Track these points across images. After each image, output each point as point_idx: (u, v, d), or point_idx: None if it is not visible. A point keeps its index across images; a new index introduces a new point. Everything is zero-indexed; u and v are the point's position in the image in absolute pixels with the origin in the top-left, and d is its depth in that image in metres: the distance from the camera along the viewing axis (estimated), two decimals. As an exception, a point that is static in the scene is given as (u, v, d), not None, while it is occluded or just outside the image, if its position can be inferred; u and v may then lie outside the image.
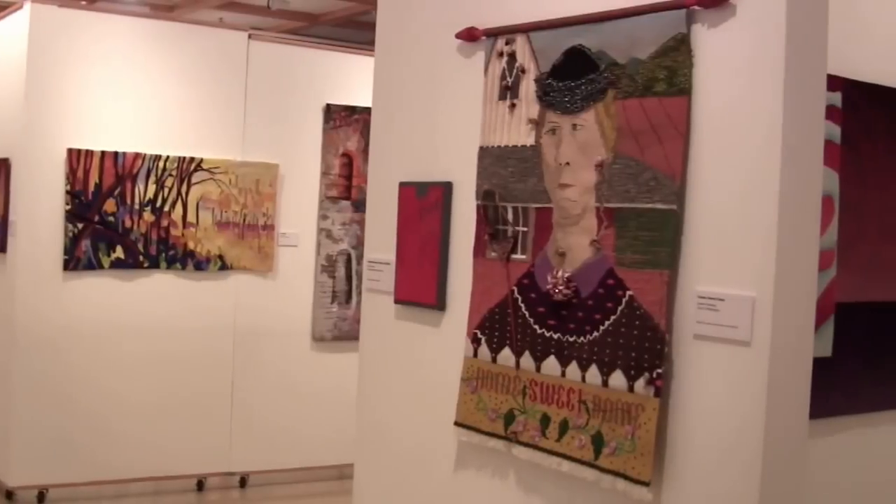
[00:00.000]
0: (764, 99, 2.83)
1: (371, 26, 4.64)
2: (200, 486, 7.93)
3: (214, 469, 7.89)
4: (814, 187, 2.93)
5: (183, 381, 7.63)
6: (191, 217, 7.55)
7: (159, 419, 7.54)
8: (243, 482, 8.07)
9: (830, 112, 3.60)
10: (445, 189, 3.91)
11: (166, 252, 7.48)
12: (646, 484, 3.04)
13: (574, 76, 3.36)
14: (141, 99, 7.42)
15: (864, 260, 3.95)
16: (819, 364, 3.10)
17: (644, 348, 3.07)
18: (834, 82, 3.57)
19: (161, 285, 7.53)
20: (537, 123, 3.50)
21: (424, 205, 3.99)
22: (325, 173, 8.02)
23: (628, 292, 3.13)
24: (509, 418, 3.54)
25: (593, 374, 3.23)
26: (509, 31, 3.63)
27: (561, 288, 3.35)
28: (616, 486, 3.12)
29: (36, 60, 7.07)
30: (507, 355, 3.56)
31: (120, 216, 7.27)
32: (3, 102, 7.46)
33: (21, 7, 7.15)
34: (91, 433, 7.30)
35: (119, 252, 7.31)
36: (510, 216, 3.60)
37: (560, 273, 3.37)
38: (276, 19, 10.96)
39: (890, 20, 4.13)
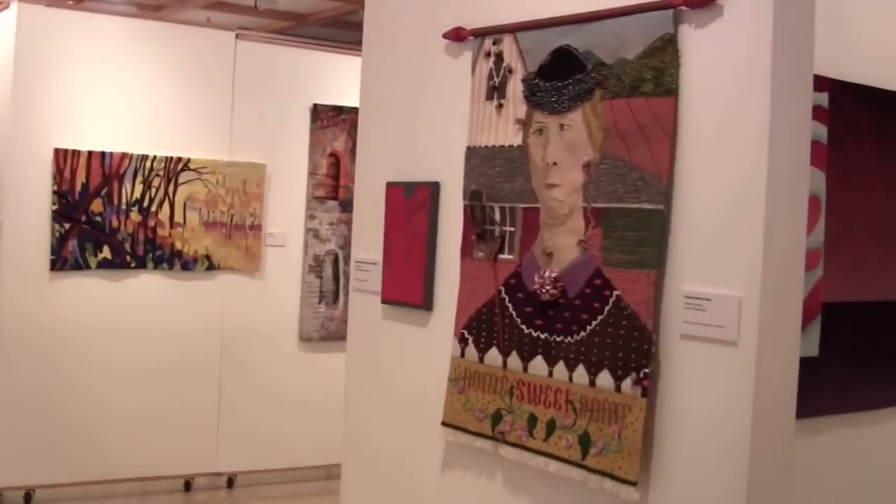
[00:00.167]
0: (751, 99, 2.83)
1: (358, 26, 4.63)
2: (188, 486, 7.91)
3: (202, 469, 7.88)
4: (800, 187, 2.94)
5: (170, 382, 7.61)
6: (178, 217, 7.54)
7: (146, 419, 7.52)
8: (231, 482, 8.06)
9: (817, 112, 3.61)
10: (433, 189, 3.91)
11: (153, 252, 7.47)
12: (633, 484, 3.04)
13: (561, 76, 3.36)
14: (128, 99, 7.40)
15: (851, 260, 3.96)
16: (806, 364, 3.11)
17: (631, 348, 3.07)
18: (821, 83, 3.58)
19: (148, 285, 7.51)
20: (524, 123, 3.50)
21: (412, 205, 3.99)
22: (312, 173, 8.02)
23: (615, 292, 3.14)
24: (496, 418, 3.54)
25: (580, 374, 3.23)
26: (496, 31, 3.63)
27: (548, 288, 3.35)
28: (603, 486, 3.12)
29: (23, 60, 7.04)
30: (494, 355, 3.57)
31: (107, 216, 7.26)
32: (-11, 102, 7.45)
33: (8, 6, 7.12)
34: (78, 433, 7.28)
35: (106, 252, 7.29)
36: (497, 216, 3.60)
37: (547, 273, 3.37)
38: (264, 19, 10.94)
39: (876, 21, 4.14)
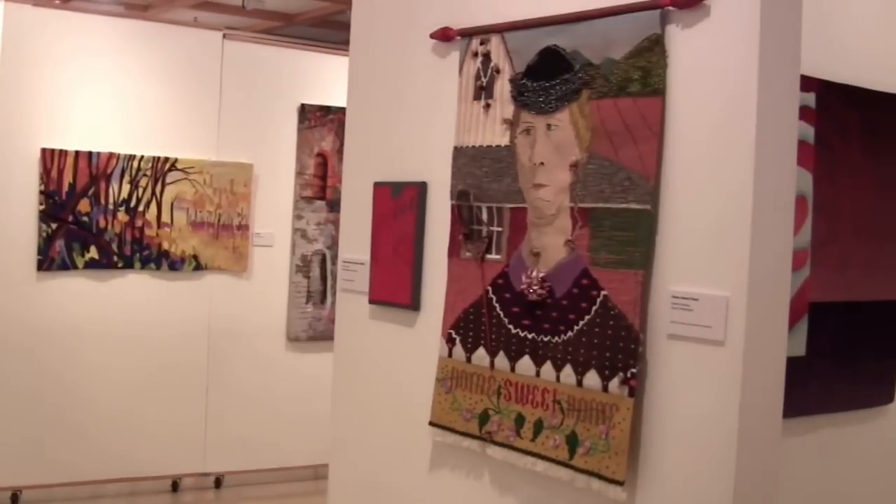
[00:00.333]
0: (738, 99, 2.84)
1: (346, 26, 4.63)
2: (175, 486, 7.90)
3: (189, 470, 7.87)
4: (787, 187, 2.94)
5: (157, 382, 7.61)
6: (165, 217, 7.53)
7: (133, 420, 7.51)
8: (218, 483, 8.05)
9: (804, 112, 3.61)
10: (420, 189, 3.91)
11: (141, 252, 7.46)
12: (620, 483, 3.04)
13: (549, 76, 3.36)
14: (115, 98, 7.39)
15: (838, 259, 3.96)
16: (793, 363, 3.11)
17: (618, 348, 3.07)
18: (807, 83, 3.59)
19: (135, 286, 7.50)
20: (512, 123, 3.50)
21: (399, 205, 3.99)
22: (299, 173, 8.01)
23: (602, 292, 3.14)
24: (484, 418, 3.54)
25: (568, 373, 3.24)
26: (484, 32, 3.63)
27: (535, 288, 3.35)
28: (591, 486, 3.13)
29: (9, 59, 7.03)
30: (481, 355, 3.57)
31: (94, 216, 7.25)
32: (-24, 102, 7.43)
33: (-6, 6, 7.13)
34: (65, 434, 7.27)
35: (93, 252, 7.28)
36: (485, 216, 3.60)
37: (534, 273, 3.37)
38: (251, 19, 10.90)
39: (862, 21, 4.15)
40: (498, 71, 3.57)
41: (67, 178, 7.13)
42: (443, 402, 3.70)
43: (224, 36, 7.88)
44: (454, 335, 3.68)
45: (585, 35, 3.25)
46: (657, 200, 3.02)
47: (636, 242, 3.05)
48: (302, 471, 8.21)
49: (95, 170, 7.22)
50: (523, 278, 3.41)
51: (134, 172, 7.36)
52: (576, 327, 3.22)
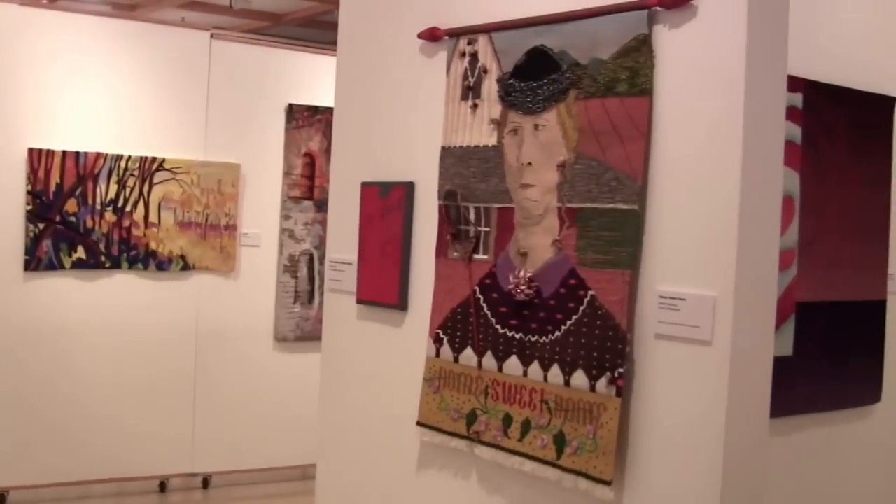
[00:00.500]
0: (725, 99, 2.84)
1: (333, 26, 4.63)
2: (163, 487, 7.89)
3: (177, 470, 7.86)
4: (774, 187, 2.95)
5: (145, 382, 7.59)
6: (153, 217, 7.52)
7: (121, 420, 7.50)
8: (206, 483, 8.04)
9: (791, 112, 3.62)
10: (407, 189, 3.91)
11: (128, 252, 7.44)
12: (607, 483, 3.05)
13: (536, 76, 3.37)
14: (103, 98, 7.38)
15: (825, 259, 3.98)
16: (780, 363, 3.12)
17: (606, 348, 3.08)
18: (794, 83, 3.60)
19: (123, 286, 7.49)
20: (499, 123, 3.50)
21: (386, 205, 3.99)
22: (287, 173, 8.00)
23: (590, 292, 3.14)
24: (471, 418, 3.54)
25: (555, 373, 3.24)
26: (471, 32, 3.63)
27: (523, 288, 3.35)
28: (578, 486, 3.13)
29: (-4, 59, 7.04)
30: (469, 355, 3.57)
31: (81, 216, 7.23)
32: (-37, 102, 7.42)
33: (-19, 6, 7.11)
34: (52, 434, 7.25)
35: (80, 252, 7.26)
36: (472, 216, 3.60)
37: (522, 273, 3.37)
38: (239, 19, 10.91)
39: (849, 21, 4.16)
40: (485, 71, 3.57)
41: (55, 177, 7.12)
42: (430, 403, 3.70)
43: (212, 36, 7.86)
44: (442, 335, 3.68)
45: (573, 35, 3.25)
46: (644, 200, 3.03)
47: (623, 242, 3.05)
48: (290, 471, 8.20)
49: (83, 170, 7.21)
50: (511, 278, 3.41)
51: (121, 172, 7.35)
52: (563, 327, 3.22)
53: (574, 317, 3.19)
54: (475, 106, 3.60)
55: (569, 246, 3.22)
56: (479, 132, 3.58)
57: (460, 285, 3.63)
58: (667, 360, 2.97)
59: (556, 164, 3.27)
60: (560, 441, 3.21)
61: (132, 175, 7.40)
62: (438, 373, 3.68)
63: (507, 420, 3.40)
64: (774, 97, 2.93)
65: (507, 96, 3.47)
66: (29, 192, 7.04)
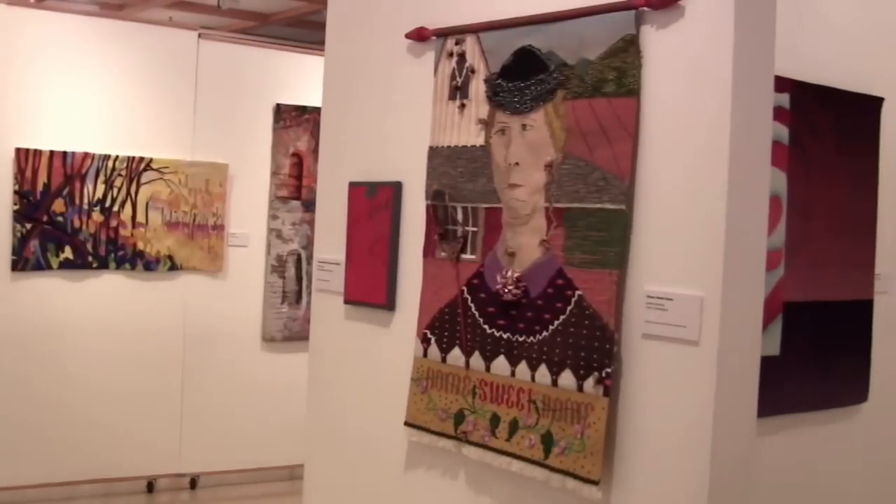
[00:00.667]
0: (712, 100, 2.84)
1: (321, 26, 4.62)
2: (150, 487, 7.88)
3: (164, 470, 7.85)
4: (761, 188, 2.95)
5: (132, 382, 7.59)
6: (140, 217, 7.51)
7: (108, 420, 7.49)
8: (193, 483, 8.03)
9: (778, 113, 3.63)
10: (395, 189, 3.91)
11: (115, 252, 7.44)
12: (595, 483, 3.05)
13: (523, 76, 3.37)
14: (90, 98, 7.37)
15: (812, 259, 3.98)
16: (767, 363, 3.13)
17: (593, 348, 3.08)
18: (781, 83, 3.61)
19: (110, 286, 7.48)
20: (487, 124, 3.50)
21: (374, 205, 3.99)
22: (275, 173, 8.00)
23: (577, 292, 3.14)
24: (459, 418, 3.54)
25: (543, 373, 3.24)
26: (459, 32, 3.63)
27: (510, 288, 3.35)
28: (566, 485, 3.13)
29: (-17, 59, 7.03)
30: (456, 355, 3.57)
31: (69, 216, 7.23)
32: (-50, 102, 7.40)
33: (-32, 5, 7.10)
34: (40, 435, 7.24)
35: (68, 252, 7.26)
36: (460, 216, 3.60)
37: (509, 273, 3.37)
38: (226, 18, 10.89)
39: (836, 22, 4.17)
40: (473, 71, 3.57)
41: (42, 177, 7.11)
42: (418, 402, 3.70)
43: (199, 35, 7.86)
44: (429, 335, 3.68)
45: (560, 35, 3.25)
46: (632, 200, 3.03)
47: (611, 242, 3.05)
48: (277, 471, 8.20)
49: (70, 169, 7.20)
50: (498, 278, 3.41)
51: (109, 172, 7.34)
52: (551, 327, 3.22)
53: (562, 317, 3.19)
54: (463, 106, 3.60)
55: (556, 246, 3.22)
56: (466, 132, 3.58)
57: (448, 285, 3.63)
58: (654, 359, 2.97)
59: (543, 164, 3.27)
60: (548, 441, 3.21)
61: (119, 175, 7.39)
62: (426, 373, 3.68)
63: (495, 420, 3.40)
64: (762, 97, 2.93)
65: (495, 96, 3.47)
66: (16, 192, 7.03)
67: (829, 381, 4.14)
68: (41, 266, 7.17)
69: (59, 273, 7.27)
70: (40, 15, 7.34)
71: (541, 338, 3.26)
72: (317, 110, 6.59)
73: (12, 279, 7.11)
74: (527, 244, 3.33)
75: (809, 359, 4.02)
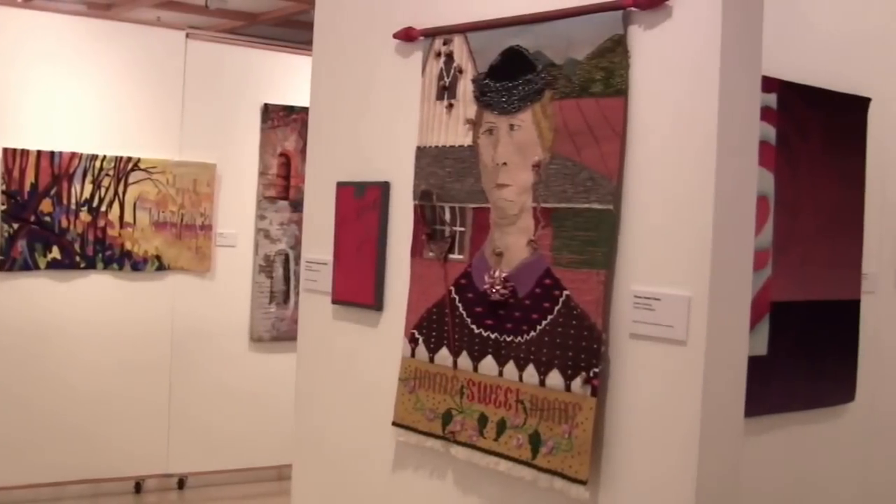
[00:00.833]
0: (699, 100, 2.84)
1: (309, 26, 4.62)
2: (138, 487, 7.86)
3: (152, 471, 7.84)
4: (749, 188, 2.95)
5: (120, 382, 7.57)
6: (128, 217, 7.50)
7: (96, 420, 7.48)
8: (181, 484, 8.02)
9: (765, 113, 3.64)
10: (383, 189, 3.91)
11: (103, 252, 7.42)
12: (583, 482, 3.05)
13: (511, 77, 3.37)
14: (77, 98, 7.36)
15: (799, 259, 3.99)
16: (755, 362, 3.13)
17: (581, 348, 3.08)
18: (769, 84, 3.61)
19: (98, 286, 7.47)
20: (474, 124, 3.50)
21: (362, 205, 3.99)
22: (262, 173, 7.99)
23: (565, 292, 3.14)
24: (447, 418, 3.54)
25: (530, 373, 3.24)
26: (447, 32, 3.63)
27: (498, 288, 3.35)
28: (553, 485, 3.13)
29: (-30, 59, 7.01)
30: (444, 355, 3.57)
31: (56, 216, 7.21)
32: (-64, 101, 7.38)
33: (-46, 5, 7.09)
34: (27, 435, 7.23)
35: (55, 252, 7.24)
36: (447, 216, 3.60)
37: (497, 273, 3.37)
38: (214, 18, 10.87)
39: (824, 22, 4.17)
40: (461, 71, 3.57)
41: (29, 177, 7.09)
42: (406, 402, 3.70)
43: (187, 35, 7.85)
44: (417, 335, 3.68)
45: (548, 35, 3.25)
46: (619, 200, 3.03)
47: (598, 242, 3.05)
48: (266, 471, 8.19)
49: (58, 169, 7.19)
50: (486, 278, 3.41)
51: (96, 172, 7.33)
52: (538, 327, 3.22)
53: (549, 317, 3.19)
54: (450, 106, 3.60)
55: (544, 246, 3.22)
56: (454, 132, 3.58)
57: (436, 285, 3.63)
58: (642, 359, 2.98)
59: (531, 164, 3.27)
60: (535, 441, 3.21)
61: (107, 175, 7.38)
62: (414, 373, 3.68)
63: (483, 420, 3.40)
64: (749, 97, 2.94)
65: (483, 96, 3.47)
66: (3, 192, 7.01)
67: (817, 381, 4.15)
68: (28, 266, 7.15)
69: (47, 273, 7.25)
70: (27, 14, 7.32)
71: (528, 338, 3.26)
72: (304, 110, 6.56)
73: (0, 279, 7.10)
74: (514, 244, 3.33)
75: (797, 358, 4.03)
